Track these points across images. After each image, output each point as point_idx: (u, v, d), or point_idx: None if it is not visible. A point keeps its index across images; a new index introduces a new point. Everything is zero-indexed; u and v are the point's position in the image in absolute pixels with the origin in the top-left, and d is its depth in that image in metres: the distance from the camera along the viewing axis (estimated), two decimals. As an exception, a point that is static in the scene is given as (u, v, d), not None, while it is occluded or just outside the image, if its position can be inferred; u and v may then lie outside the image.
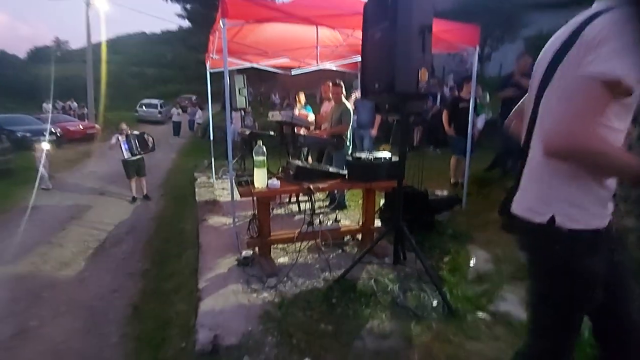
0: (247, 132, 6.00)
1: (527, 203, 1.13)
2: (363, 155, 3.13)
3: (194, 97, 23.57)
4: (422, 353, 2.08)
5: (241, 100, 7.73)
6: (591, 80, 0.91)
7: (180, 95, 24.41)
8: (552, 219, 1.04)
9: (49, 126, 12.28)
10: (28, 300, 3.73)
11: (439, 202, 4.31)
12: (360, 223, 3.51)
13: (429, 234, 3.68)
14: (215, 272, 2.91)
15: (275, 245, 3.26)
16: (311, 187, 2.81)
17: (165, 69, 29.55)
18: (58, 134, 12.62)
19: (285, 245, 3.34)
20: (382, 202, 4.03)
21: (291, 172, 3.07)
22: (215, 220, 4.34)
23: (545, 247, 1.09)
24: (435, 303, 2.53)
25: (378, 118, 5.95)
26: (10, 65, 29.96)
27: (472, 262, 3.18)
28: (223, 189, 5.90)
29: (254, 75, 10.51)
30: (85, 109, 18.47)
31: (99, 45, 19.80)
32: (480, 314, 2.48)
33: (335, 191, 4.63)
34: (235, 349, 1.98)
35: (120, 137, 6.65)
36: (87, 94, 17.36)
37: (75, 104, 20.41)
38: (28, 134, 11.74)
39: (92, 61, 17.30)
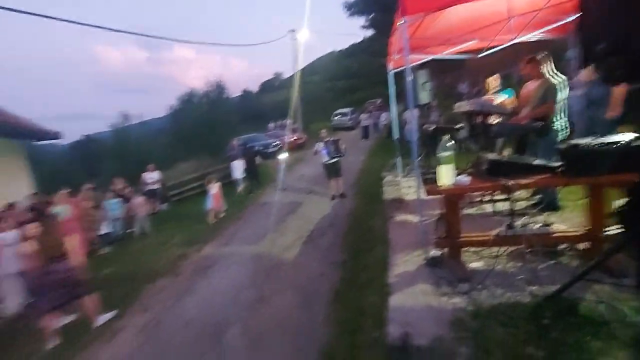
0: (432, 128, 5.78)
1: None
2: (584, 141, 2.43)
3: (378, 101, 24.79)
4: None
5: (424, 95, 7.55)
6: None
7: (367, 101, 26.21)
8: None
9: (273, 141, 15.83)
10: (263, 275, 4.93)
11: None
12: (585, 229, 2.74)
13: None
14: (404, 269, 2.94)
15: (467, 249, 2.99)
16: (511, 184, 2.42)
17: (352, 79, 32.46)
18: (279, 146, 16.08)
19: (479, 249, 3.01)
20: (617, 202, 3.00)
21: (483, 167, 2.74)
22: (402, 218, 4.41)
23: None
24: None
25: (618, 93, 4.42)
26: (249, 98, 40.73)
27: None
28: (409, 187, 5.94)
29: (436, 68, 10.04)
30: (296, 124, 22.74)
31: (302, 70, 24.01)
32: None
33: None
34: (426, 351, 1.94)
35: (321, 145, 7.88)
36: (297, 112, 21.35)
37: (289, 121, 25.44)
38: (261, 147, 15.56)
39: (298, 85, 21.17)
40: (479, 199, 4.44)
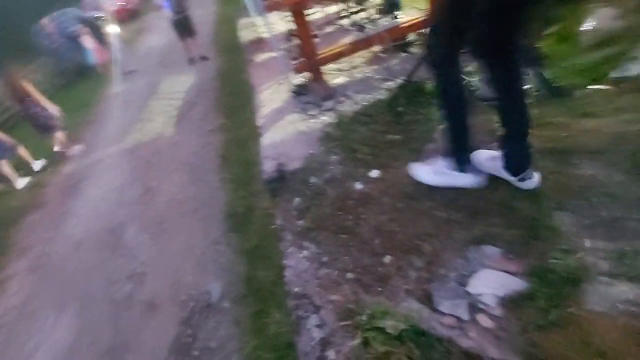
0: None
1: None
2: None
3: None
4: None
5: None
6: None
7: None
8: None
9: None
10: (143, 167, 4.43)
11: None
12: (428, 12, 2.77)
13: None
14: (270, 108, 2.81)
15: (329, 67, 2.89)
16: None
17: None
18: (107, 19, 12.48)
19: (340, 64, 2.94)
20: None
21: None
22: (263, 57, 4.03)
23: None
24: (526, 87, 2.04)
25: None
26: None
27: (587, 25, 2.37)
28: (265, 24, 5.29)
29: None
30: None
31: None
32: (594, 87, 1.94)
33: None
34: (300, 172, 1.99)
35: None
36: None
37: (108, -19, 19.28)
38: (82, 26, 11.86)
39: None
40: (336, 17, 4.20)
